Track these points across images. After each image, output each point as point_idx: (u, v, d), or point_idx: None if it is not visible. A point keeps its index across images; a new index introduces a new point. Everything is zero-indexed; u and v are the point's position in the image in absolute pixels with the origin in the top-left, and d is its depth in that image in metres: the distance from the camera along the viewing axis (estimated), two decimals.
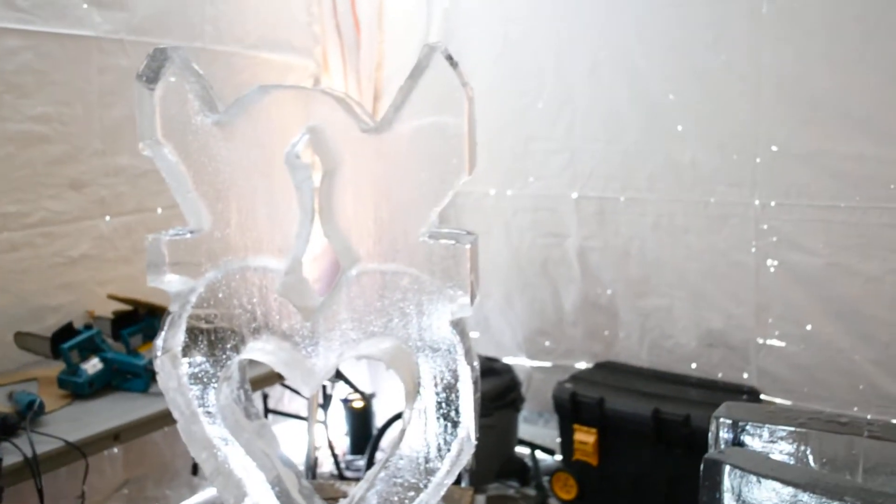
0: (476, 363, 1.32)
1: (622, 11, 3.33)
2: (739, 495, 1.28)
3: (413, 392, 1.33)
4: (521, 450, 3.70)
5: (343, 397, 3.83)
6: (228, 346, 1.38)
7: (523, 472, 3.61)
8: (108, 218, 2.94)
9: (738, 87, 3.06)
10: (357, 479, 2.46)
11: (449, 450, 1.33)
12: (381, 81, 3.92)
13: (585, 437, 3.26)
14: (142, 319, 2.68)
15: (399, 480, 1.37)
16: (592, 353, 3.67)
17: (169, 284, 1.38)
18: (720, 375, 3.32)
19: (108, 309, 2.76)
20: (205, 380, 1.39)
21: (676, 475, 3.02)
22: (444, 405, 1.32)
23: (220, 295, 1.37)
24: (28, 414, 2.07)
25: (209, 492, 3.22)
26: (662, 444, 3.08)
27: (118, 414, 2.27)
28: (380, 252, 1.32)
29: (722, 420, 1.39)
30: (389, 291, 1.32)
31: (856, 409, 3.02)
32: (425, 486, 1.36)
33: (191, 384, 1.39)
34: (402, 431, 1.38)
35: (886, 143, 2.86)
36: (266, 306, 1.37)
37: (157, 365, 1.38)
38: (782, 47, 2.96)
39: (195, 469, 3.13)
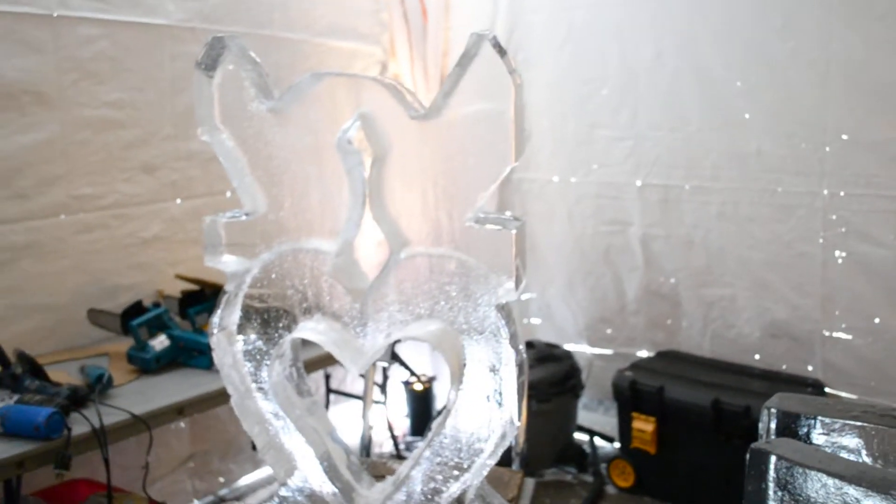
0: (522, 347, 1.34)
1: (689, 2, 3.28)
2: (785, 486, 1.26)
3: (458, 374, 1.35)
4: (580, 436, 3.69)
5: (404, 380, 3.87)
6: (281, 325, 1.43)
7: (581, 458, 3.60)
8: (178, 201, 3.04)
9: (807, 74, 2.98)
10: None
11: (492, 432, 1.35)
12: (447, 69, 3.93)
13: (644, 425, 3.23)
14: (208, 299, 2.76)
15: (443, 459, 1.40)
16: (654, 341, 3.63)
17: (225, 265, 1.43)
18: (784, 367, 3.25)
19: (177, 289, 2.85)
20: (258, 357, 1.44)
21: (735, 466, 2.94)
22: (488, 388, 1.34)
23: (274, 276, 1.42)
24: (97, 386, 2.16)
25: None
26: (721, 434, 3.03)
27: (183, 389, 2.35)
28: (427, 236, 1.35)
29: (772, 410, 1.37)
30: (436, 275, 1.35)
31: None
32: (469, 467, 1.38)
33: (245, 361, 1.44)
34: (447, 412, 1.41)
35: None
36: (317, 287, 1.41)
37: (214, 342, 1.44)
38: (851, 34, 2.87)
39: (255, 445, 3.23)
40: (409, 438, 3.92)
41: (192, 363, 2.50)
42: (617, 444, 3.56)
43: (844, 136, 2.93)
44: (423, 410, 3.91)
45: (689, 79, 3.28)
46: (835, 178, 2.98)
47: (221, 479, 3.32)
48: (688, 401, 3.12)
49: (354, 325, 1.39)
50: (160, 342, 2.48)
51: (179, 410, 2.30)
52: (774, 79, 3.07)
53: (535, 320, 3.95)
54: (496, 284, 1.30)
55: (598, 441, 3.66)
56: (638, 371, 3.35)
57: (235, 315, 1.44)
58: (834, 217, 3.00)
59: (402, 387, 3.90)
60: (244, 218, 1.41)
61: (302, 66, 3.51)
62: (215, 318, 1.43)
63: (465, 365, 1.34)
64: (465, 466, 1.38)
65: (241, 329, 1.44)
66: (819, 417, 1.36)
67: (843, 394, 3.13)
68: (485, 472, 1.38)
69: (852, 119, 2.91)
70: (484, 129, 1.27)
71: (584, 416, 3.75)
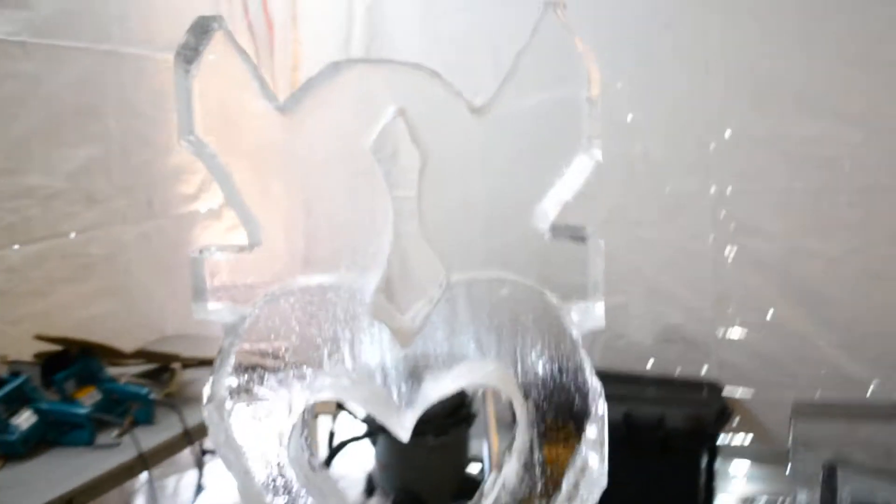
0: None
1: (580, 12, 3.17)
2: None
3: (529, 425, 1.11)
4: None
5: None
6: (294, 386, 1.11)
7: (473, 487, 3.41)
8: (16, 246, 2.55)
9: (688, 73, 3.00)
10: None
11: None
12: (297, 84, 3.63)
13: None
14: (74, 361, 2.29)
15: None
16: None
17: (216, 314, 1.10)
18: (678, 371, 3.23)
19: (23, 352, 2.35)
20: (263, 431, 1.12)
21: (649, 478, 2.90)
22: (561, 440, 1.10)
23: (280, 323, 1.10)
24: None
25: None
26: (633, 447, 2.95)
27: (66, 474, 1.91)
28: (478, 256, 1.09)
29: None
30: (488, 303, 1.09)
31: (819, 392, 3.01)
32: None
33: (248, 435, 1.11)
34: (497, 473, 1.17)
35: (840, 123, 2.89)
36: (341, 333, 1.11)
37: (206, 416, 1.10)
38: (731, 30, 2.92)
39: None
40: None
41: (66, 441, 2.06)
42: None
43: (728, 133, 2.95)
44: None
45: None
46: (721, 174, 3.00)
47: None
48: None
49: (397, 373, 1.11)
50: (25, 419, 2.02)
51: (68, 501, 1.86)
52: (655, 79, 3.05)
53: None
54: (574, 311, 1.07)
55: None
56: (625, 401, 3.20)
57: (227, 380, 1.10)
58: (723, 214, 3.01)
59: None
60: (239, 252, 1.08)
61: (147, 84, 3.11)
62: (207, 388, 1.09)
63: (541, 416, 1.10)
64: None
65: (240, 396, 1.10)
66: None
67: (741, 389, 3.15)
68: None
69: (734, 116, 2.95)
70: (552, 122, 1.05)
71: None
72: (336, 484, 1.25)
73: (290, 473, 1.12)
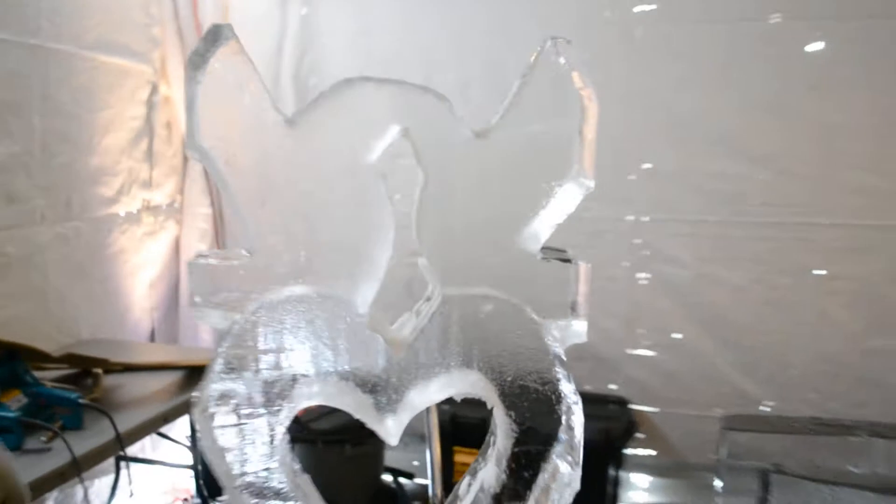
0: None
1: (495, 30, 3.30)
2: None
3: (509, 433, 1.16)
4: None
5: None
6: (284, 392, 1.13)
7: (393, 499, 3.43)
8: None
9: (612, 107, 3.12)
10: None
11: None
12: None
13: (467, 458, 3.16)
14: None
15: None
16: None
17: (216, 320, 1.11)
18: (587, 387, 3.36)
19: None
20: (251, 436, 1.13)
21: None
22: (554, 449, 1.16)
23: (272, 330, 1.12)
24: None
25: None
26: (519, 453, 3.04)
27: None
28: (469, 272, 1.14)
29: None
30: (474, 317, 1.14)
31: (717, 410, 3.19)
32: None
33: (236, 440, 1.12)
34: (471, 477, 1.22)
35: (747, 162, 3.08)
36: (331, 342, 1.14)
37: (195, 420, 1.10)
38: (652, 71, 3.06)
39: None
40: (197, 501, 3.48)
41: None
42: (420, 480, 3.46)
43: (646, 166, 3.10)
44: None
45: (496, 109, 3.28)
46: (638, 204, 3.15)
47: None
48: (482, 422, 3.09)
49: (390, 383, 1.14)
50: None
51: None
52: None
53: None
54: (555, 327, 1.15)
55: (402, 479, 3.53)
56: (456, 405, 3.26)
57: (217, 385, 1.11)
58: (639, 241, 3.16)
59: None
60: (237, 262, 1.09)
61: (74, 82, 3.02)
62: (197, 393, 1.09)
63: (519, 427, 1.15)
64: None
65: (228, 400, 1.12)
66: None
67: (645, 407, 3.31)
68: None
69: (653, 151, 3.11)
70: (544, 149, 1.11)
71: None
72: (316, 490, 1.27)
73: (279, 478, 1.15)
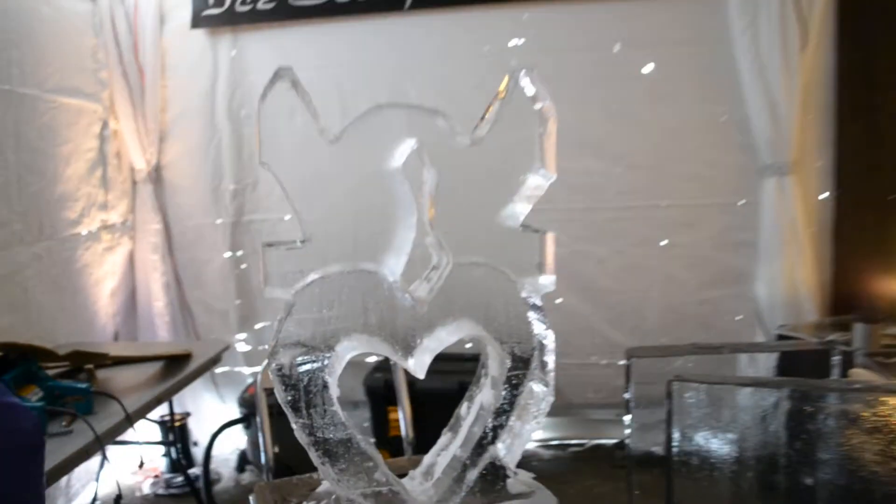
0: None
1: (397, 63, 3.58)
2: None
3: (502, 368, 1.43)
4: None
5: (159, 418, 3.63)
6: (331, 343, 1.38)
7: None
8: None
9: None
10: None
11: (540, 410, 1.45)
12: (165, 123, 3.76)
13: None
14: (16, 364, 2.31)
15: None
16: None
17: (282, 292, 1.35)
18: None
19: None
20: (306, 383, 1.38)
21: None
22: (533, 374, 1.43)
23: (326, 298, 1.36)
24: None
25: None
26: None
27: None
28: (464, 245, 1.39)
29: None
30: (471, 279, 1.39)
31: (594, 357, 3.67)
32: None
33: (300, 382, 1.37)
34: (469, 402, 1.53)
35: (605, 160, 3.48)
36: (370, 304, 1.38)
37: (270, 372, 1.37)
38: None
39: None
40: (167, 475, 3.69)
41: None
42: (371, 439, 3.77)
43: None
44: (182, 446, 3.71)
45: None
46: None
47: None
48: (438, 388, 3.47)
49: (418, 330, 1.40)
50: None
51: None
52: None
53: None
54: (531, 284, 1.40)
55: None
56: (386, 372, 3.60)
57: (287, 344, 1.37)
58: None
59: (158, 425, 3.65)
60: (299, 245, 1.34)
61: (38, 121, 3.14)
62: (269, 349, 1.35)
63: (512, 358, 1.42)
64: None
65: (288, 351, 1.37)
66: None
67: None
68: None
69: None
70: (518, 150, 1.37)
71: None
72: (365, 438, 1.44)
73: (341, 416, 1.40)
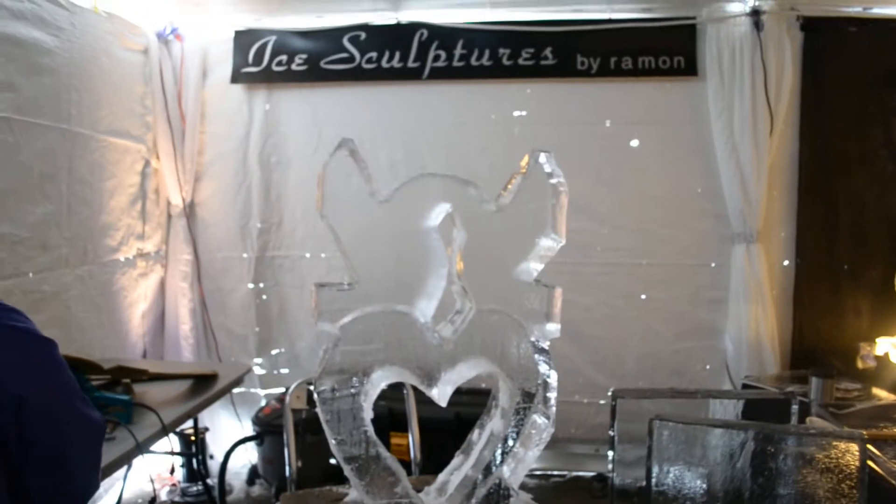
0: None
1: (414, 123, 3.74)
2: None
3: (511, 401, 1.52)
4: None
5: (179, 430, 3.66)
6: (367, 372, 1.47)
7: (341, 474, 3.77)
8: None
9: (500, 184, 3.67)
10: None
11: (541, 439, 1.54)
12: (201, 165, 3.88)
13: (401, 440, 3.56)
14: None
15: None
16: None
17: (330, 326, 1.45)
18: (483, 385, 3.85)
19: None
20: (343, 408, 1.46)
21: None
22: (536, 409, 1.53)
23: (367, 333, 1.46)
24: None
25: None
26: (462, 438, 3.48)
27: None
28: (485, 294, 1.49)
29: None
30: (489, 323, 1.49)
31: (577, 396, 3.77)
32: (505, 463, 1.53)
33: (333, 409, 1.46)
34: (480, 429, 1.60)
35: (594, 221, 3.61)
36: (401, 340, 1.47)
37: (317, 398, 1.46)
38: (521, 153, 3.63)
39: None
40: (184, 484, 3.73)
41: None
42: None
43: None
44: (200, 458, 3.75)
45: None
46: None
47: None
48: (436, 417, 3.54)
49: (442, 364, 1.48)
50: None
51: None
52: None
53: (284, 370, 4.05)
54: (539, 330, 1.52)
55: None
56: (389, 400, 3.66)
57: (329, 368, 1.45)
58: None
59: (178, 437, 3.69)
60: (346, 287, 1.43)
61: (90, 158, 3.25)
62: (316, 378, 1.45)
63: (520, 393, 1.51)
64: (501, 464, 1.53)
65: (339, 382, 1.46)
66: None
67: None
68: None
69: None
70: (532, 218, 1.49)
71: None
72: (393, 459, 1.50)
73: (372, 435, 1.48)
